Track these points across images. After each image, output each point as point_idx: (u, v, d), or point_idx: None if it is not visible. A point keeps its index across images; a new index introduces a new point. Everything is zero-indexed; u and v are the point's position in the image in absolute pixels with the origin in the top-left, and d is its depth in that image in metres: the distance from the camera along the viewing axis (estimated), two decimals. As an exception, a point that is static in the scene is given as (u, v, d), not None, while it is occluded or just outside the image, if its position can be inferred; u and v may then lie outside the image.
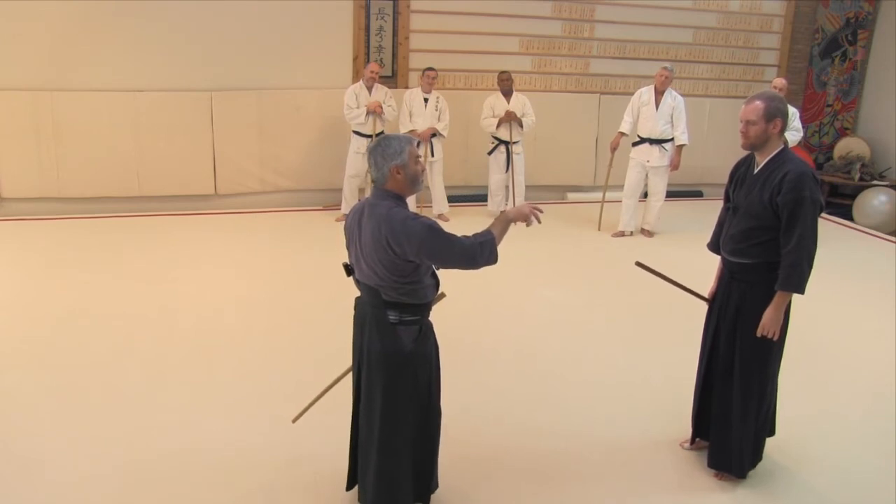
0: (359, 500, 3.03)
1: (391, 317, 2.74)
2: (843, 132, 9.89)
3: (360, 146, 7.14)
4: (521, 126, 7.48)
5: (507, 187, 7.65)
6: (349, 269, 2.89)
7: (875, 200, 8.59)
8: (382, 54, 7.93)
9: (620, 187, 7.41)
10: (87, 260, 6.08)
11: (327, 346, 4.27)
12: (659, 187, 7.31)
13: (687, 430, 3.65)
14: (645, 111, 7.16)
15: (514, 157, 7.53)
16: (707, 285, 3.52)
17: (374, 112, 7.08)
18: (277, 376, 4.22)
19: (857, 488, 3.41)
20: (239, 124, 7.61)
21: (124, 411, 3.80)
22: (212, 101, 7.49)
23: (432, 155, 7.41)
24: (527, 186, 7.72)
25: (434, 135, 7.36)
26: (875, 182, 8.99)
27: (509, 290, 5.68)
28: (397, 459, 2.84)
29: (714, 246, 3.49)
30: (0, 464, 3.33)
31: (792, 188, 3.02)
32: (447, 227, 2.69)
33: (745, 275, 3.23)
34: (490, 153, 7.63)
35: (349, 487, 3.10)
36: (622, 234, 7.37)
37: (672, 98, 7.10)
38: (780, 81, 6.82)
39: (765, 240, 3.13)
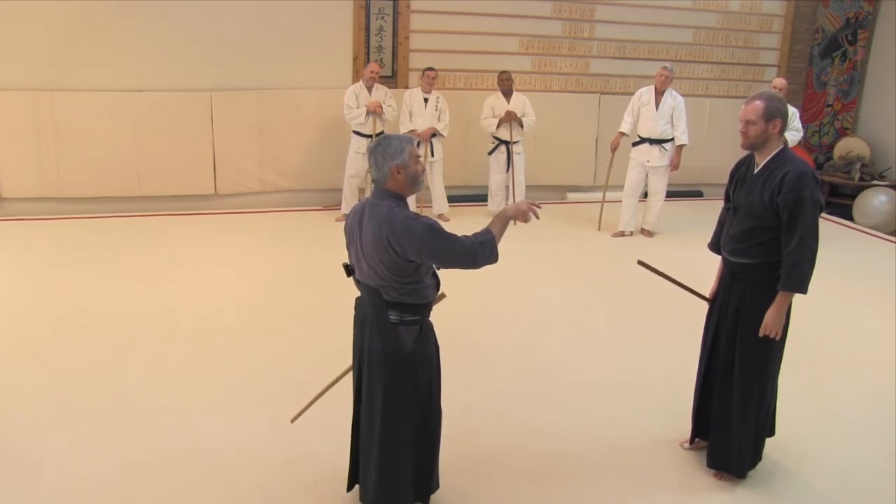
0: (361, 500, 3.03)
1: (392, 317, 2.74)
2: (843, 132, 9.89)
3: (360, 146, 7.14)
4: (522, 126, 7.48)
5: (507, 187, 7.65)
6: (349, 270, 2.89)
7: (875, 200, 8.59)
8: (382, 54, 7.93)
9: (620, 187, 7.41)
10: (87, 260, 6.08)
11: (327, 346, 4.27)
12: (659, 187, 7.31)
13: (687, 430, 3.64)
14: (645, 111, 7.16)
15: (515, 156, 7.53)
16: (707, 285, 3.52)
17: (374, 112, 7.08)
18: (277, 376, 4.22)
19: (857, 488, 3.41)
20: (239, 124, 7.61)
21: (124, 411, 3.80)
22: (212, 101, 7.49)
23: (432, 155, 7.41)
24: (527, 186, 7.72)
25: (434, 135, 7.36)
26: (875, 182, 8.99)
27: (509, 290, 5.68)
28: (398, 459, 2.84)
29: (714, 246, 3.49)
30: (0, 464, 3.33)
31: (792, 188, 3.02)
32: (447, 227, 2.69)
33: (745, 275, 3.23)
34: (490, 153, 7.63)
35: (349, 488, 3.10)
36: (622, 234, 7.37)
37: (672, 98, 7.10)
38: (780, 81, 6.82)
39: (765, 240, 3.13)
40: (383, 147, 2.69)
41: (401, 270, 2.67)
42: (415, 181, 2.74)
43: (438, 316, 2.93)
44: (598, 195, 7.83)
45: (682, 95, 7.28)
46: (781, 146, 3.18)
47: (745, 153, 3.30)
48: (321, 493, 3.21)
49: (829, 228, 7.73)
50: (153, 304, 5.20)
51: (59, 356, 4.39)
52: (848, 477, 3.49)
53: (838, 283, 6.04)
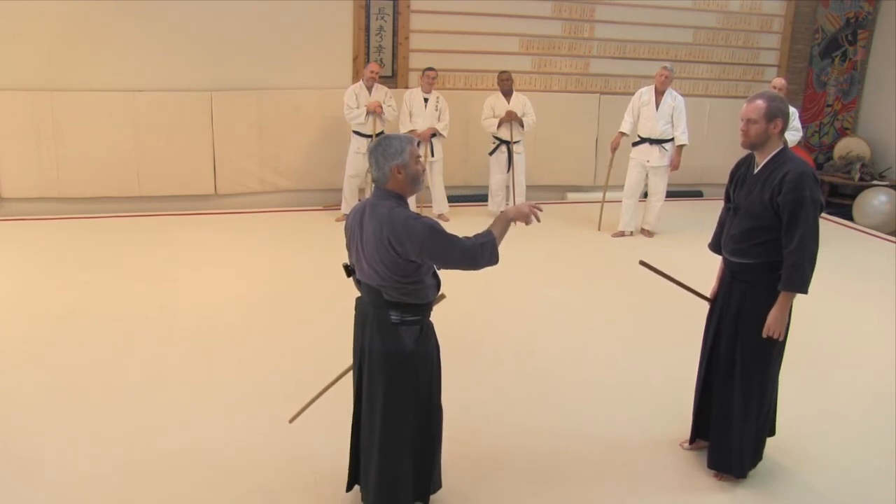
0: (362, 500, 3.03)
1: (393, 317, 2.74)
2: (843, 132, 9.89)
3: (360, 146, 7.14)
4: (522, 126, 7.48)
5: (507, 187, 7.66)
6: (349, 270, 2.89)
7: (875, 200, 8.59)
8: (382, 54, 7.93)
9: (620, 187, 7.41)
10: (87, 260, 6.08)
11: (327, 346, 4.27)
12: (659, 187, 7.31)
13: (687, 430, 3.64)
14: (645, 111, 7.16)
15: (515, 156, 7.53)
16: (708, 285, 3.52)
17: (374, 112, 7.08)
18: (277, 376, 4.22)
19: (857, 488, 3.41)
20: (239, 124, 7.61)
21: (124, 411, 3.80)
22: (212, 101, 7.49)
23: (432, 155, 7.41)
24: (527, 186, 7.72)
25: (434, 135, 7.36)
26: (875, 182, 8.99)
27: (510, 290, 5.68)
28: (399, 459, 2.84)
29: (715, 246, 3.49)
30: (0, 464, 3.33)
31: (792, 188, 3.02)
32: (447, 227, 2.69)
33: (746, 275, 3.23)
34: (491, 153, 7.63)
35: (349, 488, 3.10)
36: (622, 234, 7.37)
37: (672, 98, 7.10)
38: (780, 81, 6.82)
39: (766, 240, 3.13)
40: (384, 147, 2.70)
41: (401, 270, 2.67)
42: (415, 181, 2.74)
43: (439, 316, 2.93)
44: (598, 195, 7.83)
45: (682, 95, 7.28)
46: (781, 146, 3.18)
47: (745, 153, 3.30)
48: (321, 493, 3.21)
49: (829, 228, 7.73)
50: (153, 304, 5.20)
51: (59, 356, 4.39)
52: (848, 477, 3.49)
53: (838, 283, 6.04)
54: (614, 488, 3.35)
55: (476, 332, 4.89)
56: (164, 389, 4.04)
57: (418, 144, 7.21)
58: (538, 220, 2.86)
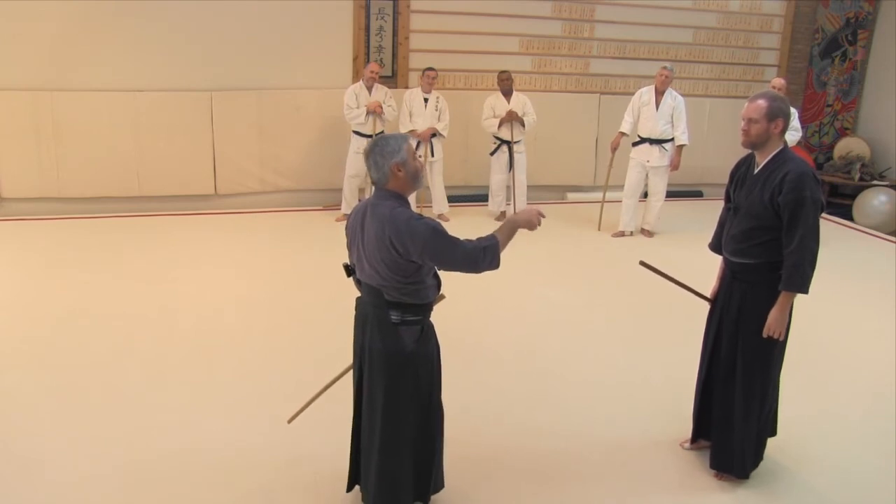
0: (362, 500, 3.03)
1: (393, 317, 2.74)
2: (843, 132, 9.89)
3: (360, 146, 7.13)
4: (523, 125, 7.48)
5: (508, 187, 7.65)
6: (349, 270, 2.89)
7: (875, 200, 8.59)
8: (382, 54, 7.93)
9: (620, 187, 7.41)
10: (87, 260, 6.08)
11: (327, 346, 4.27)
12: (659, 187, 7.31)
13: (687, 429, 3.64)
14: (645, 111, 7.16)
15: (517, 156, 7.53)
16: (708, 285, 3.51)
17: (374, 112, 7.08)
18: (277, 376, 4.22)
19: (857, 488, 3.41)
20: (239, 124, 7.61)
21: (124, 411, 3.80)
22: (212, 101, 7.49)
23: (432, 155, 7.41)
24: (528, 186, 7.72)
25: (434, 135, 7.36)
26: (875, 182, 8.99)
27: (510, 291, 5.68)
28: (399, 459, 2.84)
29: (715, 246, 3.49)
30: (0, 464, 3.33)
31: (793, 188, 3.02)
32: (447, 227, 2.69)
33: (746, 275, 3.23)
34: (493, 153, 7.63)
35: (349, 488, 3.10)
36: (622, 234, 7.37)
37: (672, 98, 7.10)
38: (779, 81, 6.82)
39: (766, 240, 3.13)
40: (381, 147, 2.70)
41: (402, 271, 2.67)
42: (415, 178, 2.74)
43: (439, 316, 2.93)
44: (598, 195, 7.83)
45: (682, 95, 7.28)
46: (782, 146, 3.18)
47: (745, 153, 3.30)
48: (321, 493, 3.21)
49: (829, 228, 7.73)
50: (153, 304, 5.20)
51: (59, 356, 4.39)
52: (848, 477, 3.49)
53: (838, 283, 6.04)
54: (614, 488, 3.35)
55: (476, 333, 4.89)
56: (164, 389, 4.04)
57: (418, 144, 7.23)
58: (539, 225, 2.86)
